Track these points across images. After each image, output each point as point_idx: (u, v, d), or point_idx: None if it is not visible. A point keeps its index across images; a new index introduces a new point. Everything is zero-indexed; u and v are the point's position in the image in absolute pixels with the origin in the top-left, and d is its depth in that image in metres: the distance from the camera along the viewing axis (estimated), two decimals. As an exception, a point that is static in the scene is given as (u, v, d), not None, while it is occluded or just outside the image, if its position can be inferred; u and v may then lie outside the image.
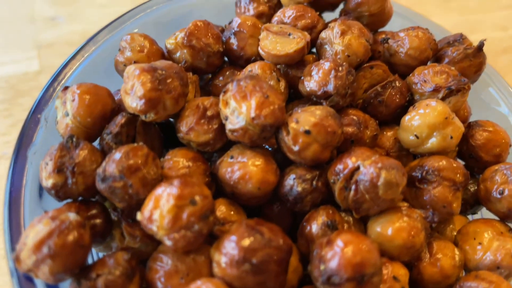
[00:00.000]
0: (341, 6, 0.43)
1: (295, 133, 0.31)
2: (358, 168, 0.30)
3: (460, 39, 0.39)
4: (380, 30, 0.43)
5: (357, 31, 0.36)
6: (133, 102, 0.31)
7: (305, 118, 0.31)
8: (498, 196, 0.34)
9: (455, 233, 0.36)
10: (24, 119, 0.35)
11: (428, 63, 0.40)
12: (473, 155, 0.37)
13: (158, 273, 0.29)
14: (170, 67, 0.32)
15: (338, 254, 0.27)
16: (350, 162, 0.31)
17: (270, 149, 0.35)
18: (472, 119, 0.41)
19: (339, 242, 0.28)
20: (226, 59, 0.40)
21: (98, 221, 0.31)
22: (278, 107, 0.31)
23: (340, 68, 0.33)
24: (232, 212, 0.32)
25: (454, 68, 0.39)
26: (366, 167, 0.30)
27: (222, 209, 0.32)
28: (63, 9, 0.69)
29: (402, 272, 0.30)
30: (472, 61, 0.39)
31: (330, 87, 0.33)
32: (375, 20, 0.42)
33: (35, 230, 0.27)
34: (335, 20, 0.40)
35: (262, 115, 0.30)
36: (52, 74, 0.37)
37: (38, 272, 0.27)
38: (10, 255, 0.29)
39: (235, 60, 0.39)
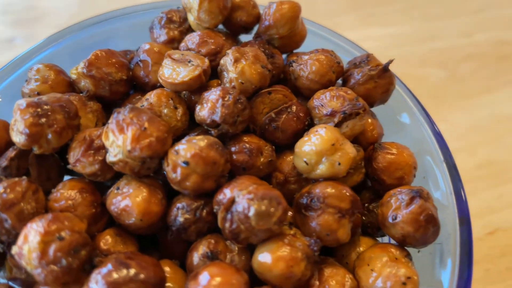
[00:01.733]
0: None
1: (174, 165, 0.31)
2: (234, 199, 0.31)
3: (366, 59, 0.39)
4: (296, 51, 0.43)
5: (251, 58, 0.36)
6: (16, 136, 0.32)
7: (186, 149, 0.31)
8: (391, 221, 0.34)
9: (358, 258, 0.36)
10: None
11: (339, 83, 0.40)
12: (376, 178, 0.37)
13: (36, 305, 0.30)
14: (56, 100, 0.33)
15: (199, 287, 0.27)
16: (229, 192, 0.31)
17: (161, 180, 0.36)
18: (389, 140, 0.40)
19: (204, 275, 0.28)
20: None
21: (-14, 254, 0.32)
22: (156, 139, 0.31)
23: (227, 97, 0.34)
24: (118, 243, 0.33)
25: (360, 90, 0.38)
26: (239, 198, 0.30)
27: (107, 240, 0.33)
28: (21, 31, 0.70)
29: (281, 303, 0.31)
30: (377, 82, 0.38)
31: (217, 116, 0.33)
32: (287, 42, 0.42)
33: None
34: (244, 44, 0.41)
35: (138, 148, 0.31)
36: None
37: None
38: None
39: (143, 87, 0.40)
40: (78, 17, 0.69)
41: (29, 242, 0.28)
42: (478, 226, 0.58)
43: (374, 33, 0.74)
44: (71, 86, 0.39)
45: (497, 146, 0.65)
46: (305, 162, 0.34)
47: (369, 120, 0.40)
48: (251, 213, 0.29)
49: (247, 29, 0.43)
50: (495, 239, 0.57)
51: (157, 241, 0.36)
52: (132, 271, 0.28)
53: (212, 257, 0.31)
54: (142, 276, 0.28)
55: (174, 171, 0.31)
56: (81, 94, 0.37)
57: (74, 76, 0.38)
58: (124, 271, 0.28)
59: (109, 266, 0.28)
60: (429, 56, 0.74)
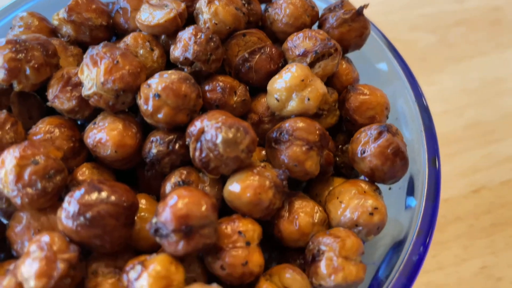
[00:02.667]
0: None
1: (146, 97, 0.32)
2: (204, 128, 0.32)
3: (340, 4, 0.40)
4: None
5: (225, 0, 0.37)
6: (-4, 72, 0.33)
7: (157, 82, 0.32)
8: (360, 156, 0.35)
9: (329, 195, 0.37)
10: None
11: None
12: (349, 118, 0.38)
13: (14, 229, 0.32)
14: (35, 39, 0.34)
15: (167, 207, 0.29)
16: (199, 124, 0.32)
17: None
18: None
19: (171, 196, 0.29)
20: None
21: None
22: (128, 72, 0.32)
23: (199, 35, 0.35)
24: (94, 175, 0.34)
25: (334, 33, 0.39)
26: (208, 127, 0.31)
27: (84, 172, 0.34)
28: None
29: (250, 228, 0.32)
30: (351, 25, 0.39)
31: (189, 54, 0.34)
32: (264, -11, 0.42)
33: None
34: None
35: (111, 80, 0.32)
36: None
37: None
38: None
39: (123, 33, 0.41)
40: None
41: (5, 166, 0.30)
42: (463, 184, 0.59)
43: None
44: (54, 33, 0.40)
45: (485, 108, 0.65)
46: (276, 99, 0.35)
47: (344, 65, 0.40)
48: (219, 140, 0.30)
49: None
50: (480, 197, 0.58)
51: (136, 178, 0.37)
52: (104, 194, 0.29)
53: (181, 183, 0.33)
54: (113, 198, 0.29)
55: (146, 103, 0.32)
56: (62, 39, 0.39)
57: (56, 22, 0.39)
58: (96, 193, 0.29)
59: (82, 189, 0.30)
60: (419, 22, 0.74)
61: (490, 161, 0.61)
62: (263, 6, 0.43)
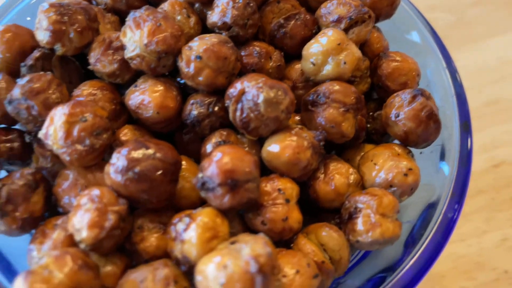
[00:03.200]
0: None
1: (187, 59, 0.33)
2: (244, 90, 0.33)
3: (372, -26, 0.40)
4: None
5: (261, -33, 0.37)
6: (40, 34, 0.34)
7: (198, 45, 0.33)
8: (394, 119, 0.35)
9: (361, 159, 0.38)
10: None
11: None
12: (381, 84, 0.39)
13: (62, 186, 0.33)
14: (77, 3, 0.35)
15: (213, 162, 0.30)
16: (239, 85, 0.33)
17: (182, 81, 0.37)
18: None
19: (216, 153, 0.30)
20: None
21: (15, 144, 0.35)
22: (170, 34, 0.33)
23: (238, 0, 0.35)
24: (136, 136, 0.35)
25: (365, 2, 0.40)
26: (249, 88, 0.32)
27: (126, 133, 0.35)
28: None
29: (288, 186, 0.32)
30: (383, -5, 0.40)
31: (228, 18, 0.35)
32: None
33: None
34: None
35: (154, 42, 0.32)
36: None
37: None
38: None
39: (156, 1, 0.41)
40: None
41: (54, 123, 0.31)
42: (484, 159, 0.60)
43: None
44: (89, 0, 0.41)
45: (503, 85, 0.66)
46: (312, 63, 0.36)
47: (375, 34, 0.41)
48: (260, 99, 0.31)
49: None
50: (500, 171, 0.59)
51: (174, 142, 0.38)
52: (151, 150, 0.30)
53: (222, 143, 0.33)
54: (159, 155, 0.30)
55: (187, 65, 0.33)
56: (99, 7, 0.39)
57: (91, -12, 0.40)
58: (143, 150, 0.30)
59: (129, 146, 0.30)
60: (437, 2, 0.74)
61: (510, 137, 0.61)
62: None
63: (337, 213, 0.35)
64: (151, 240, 0.31)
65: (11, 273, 0.32)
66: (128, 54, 0.33)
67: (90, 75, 0.38)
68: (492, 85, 0.66)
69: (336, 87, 0.34)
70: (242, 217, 0.33)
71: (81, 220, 0.29)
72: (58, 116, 0.30)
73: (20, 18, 0.41)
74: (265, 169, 0.34)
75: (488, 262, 0.53)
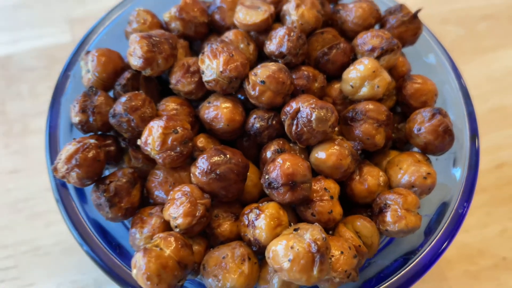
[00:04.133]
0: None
1: (253, 83, 0.42)
2: (299, 109, 0.41)
3: (399, 8, 0.48)
4: (340, 2, 0.53)
5: (309, 4, 0.45)
6: (135, 61, 0.42)
7: (262, 72, 0.42)
8: (416, 132, 0.44)
9: (387, 163, 0.46)
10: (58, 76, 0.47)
11: (376, 28, 0.50)
12: (405, 102, 0.47)
13: (154, 183, 0.41)
14: (162, 34, 0.43)
15: (277, 167, 0.38)
16: (295, 104, 0.41)
17: (242, 97, 0.46)
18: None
19: (279, 160, 0.39)
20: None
21: (112, 148, 0.43)
22: (240, 63, 0.41)
23: (292, 34, 0.43)
24: (209, 143, 0.43)
25: (394, 32, 0.48)
26: (304, 108, 0.40)
27: (202, 141, 0.43)
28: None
29: (332, 186, 0.41)
30: (408, 26, 0.48)
31: (284, 49, 0.43)
32: (333, -7, 0.51)
33: (66, 149, 0.39)
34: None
35: (228, 69, 0.41)
36: (78, 42, 0.48)
37: (69, 178, 0.39)
38: (51, 168, 0.41)
39: (219, 29, 0.49)
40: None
41: (153, 134, 0.39)
42: (487, 160, 0.68)
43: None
44: (163, 28, 0.49)
45: (507, 94, 0.74)
46: (351, 85, 0.44)
47: (400, 58, 0.49)
48: (313, 117, 0.40)
49: (301, -16, 0.52)
50: (502, 171, 0.67)
51: (235, 144, 0.46)
52: (228, 156, 0.39)
53: (280, 152, 0.42)
54: (234, 160, 0.39)
55: (253, 89, 0.42)
56: (172, 33, 0.48)
57: (167, 19, 0.48)
58: (222, 156, 0.39)
59: (210, 153, 0.39)
60: (450, 16, 0.82)
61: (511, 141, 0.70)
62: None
63: (368, 208, 0.43)
64: (225, 226, 0.40)
65: (111, 247, 0.41)
66: (205, 78, 0.42)
67: (165, 92, 0.47)
68: (497, 94, 0.74)
69: (371, 106, 0.43)
70: (293, 209, 0.42)
71: (177, 210, 0.37)
72: (155, 129, 0.39)
73: (109, 39, 0.49)
74: (313, 172, 0.42)
75: (488, 250, 0.61)
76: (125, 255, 0.40)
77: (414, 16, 0.47)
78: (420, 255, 0.40)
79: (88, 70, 0.44)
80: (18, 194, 0.63)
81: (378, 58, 0.45)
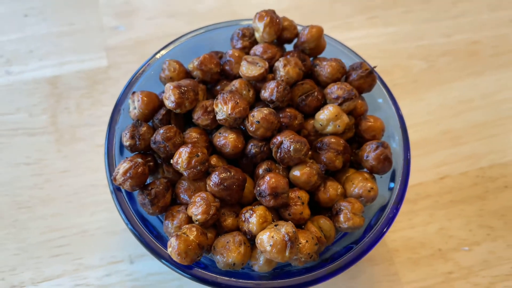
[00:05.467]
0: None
1: (251, 122, 0.60)
2: (282, 141, 0.59)
3: (359, 65, 0.66)
4: (319, 56, 0.70)
5: (293, 64, 0.63)
6: (169, 103, 0.60)
7: (257, 114, 0.60)
8: (365, 159, 0.62)
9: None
10: (112, 108, 0.65)
11: (342, 80, 0.68)
12: (360, 135, 0.65)
13: (180, 189, 0.60)
14: (188, 84, 0.61)
15: (265, 182, 0.56)
16: (279, 138, 0.60)
17: (243, 128, 0.64)
18: (370, 113, 0.68)
19: (266, 177, 0.57)
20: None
21: (151, 163, 0.62)
22: (243, 108, 0.59)
23: (280, 86, 0.61)
24: (219, 161, 0.62)
25: (354, 84, 0.66)
26: (285, 141, 0.59)
27: (214, 160, 0.62)
28: (123, 21, 0.98)
29: (303, 195, 0.59)
30: (365, 80, 0.66)
31: (274, 97, 0.62)
32: (313, 51, 0.69)
33: (123, 165, 0.57)
34: (287, 53, 0.68)
35: (234, 113, 0.59)
36: (125, 84, 0.66)
37: (124, 185, 0.57)
38: (110, 178, 0.59)
39: (228, 76, 0.67)
40: (162, 12, 0.97)
41: (182, 157, 0.57)
42: (434, 173, 0.86)
43: (376, 32, 1.00)
44: (187, 74, 0.67)
45: (455, 120, 0.91)
46: (320, 124, 0.62)
47: (360, 101, 0.67)
48: (291, 148, 0.58)
49: (290, 41, 0.70)
50: (444, 182, 0.85)
51: (237, 163, 0.65)
52: (232, 173, 0.57)
53: (268, 170, 0.60)
54: (236, 176, 0.57)
55: (251, 125, 0.60)
56: (195, 80, 0.66)
57: (190, 68, 0.66)
58: (228, 173, 0.57)
59: (220, 170, 0.57)
60: (416, 51, 0.99)
61: (455, 158, 0.87)
62: (311, 58, 0.70)
63: (328, 211, 0.62)
64: (229, 220, 0.58)
65: (150, 231, 0.59)
66: (218, 117, 0.60)
67: (188, 123, 0.65)
68: (448, 119, 0.91)
69: (333, 140, 0.61)
70: (276, 211, 0.60)
71: (197, 210, 0.56)
72: (183, 153, 0.57)
73: (147, 83, 0.67)
74: (291, 184, 0.61)
75: (428, 243, 0.79)
76: (160, 238, 0.59)
77: (370, 72, 0.65)
78: (361, 243, 0.59)
79: (135, 107, 0.62)
80: (68, 190, 0.81)
81: (340, 104, 0.63)
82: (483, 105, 0.93)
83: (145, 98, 0.62)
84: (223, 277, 0.55)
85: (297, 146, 0.58)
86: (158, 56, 0.69)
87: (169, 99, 0.60)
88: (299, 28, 0.70)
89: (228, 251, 0.55)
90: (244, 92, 0.64)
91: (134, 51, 0.93)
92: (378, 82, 0.69)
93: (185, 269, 0.54)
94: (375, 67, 0.66)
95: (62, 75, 0.91)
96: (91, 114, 0.87)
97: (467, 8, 1.05)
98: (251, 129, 0.60)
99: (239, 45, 0.69)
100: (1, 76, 0.89)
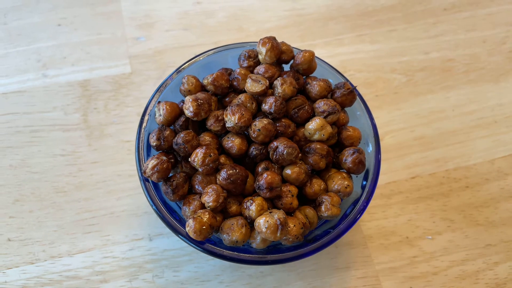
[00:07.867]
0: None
1: (253, 130, 0.75)
2: (278, 146, 0.74)
3: (342, 85, 0.81)
4: (311, 75, 0.85)
5: (289, 83, 0.78)
6: (188, 113, 0.75)
7: (258, 124, 0.75)
8: (344, 161, 0.77)
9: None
10: (135, 109, 0.80)
11: (328, 96, 0.83)
12: (341, 142, 0.80)
13: (196, 182, 0.75)
14: (204, 97, 0.76)
15: (263, 178, 0.72)
16: (276, 143, 0.75)
17: (247, 133, 0.79)
18: (350, 124, 0.83)
19: (264, 174, 0.72)
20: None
21: (172, 160, 0.77)
22: (247, 119, 0.74)
23: (277, 101, 0.76)
24: (227, 161, 0.77)
25: (338, 100, 0.81)
26: (280, 146, 0.74)
27: (223, 159, 0.77)
28: (144, 32, 1.12)
29: (293, 189, 0.74)
30: (347, 97, 0.80)
31: (272, 110, 0.77)
32: (306, 71, 0.84)
33: (151, 162, 0.72)
34: (284, 72, 0.83)
35: (240, 122, 0.74)
36: (152, 93, 0.81)
37: (152, 177, 0.72)
38: (141, 172, 0.74)
39: (235, 90, 0.82)
40: (178, 25, 1.11)
41: (198, 156, 0.72)
42: (406, 173, 0.99)
43: (364, 48, 1.15)
44: (203, 87, 0.82)
45: (428, 127, 1.03)
46: (308, 133, 0.77)
47: (342, 114, 0.82)
48: (285, 152, 0.73)
49: (287, 62, 0.85)
50: (415, 181, 0.99)
51: (241, 162, 0.80)
52: (237, 170, 0.72)
53: (266, 169, 0.76)
54: (240, 172, 0.72)
55: (253, 133, 0.75)
56: (208, 92, 0.81)
57: (205, 83, 0.81)
58: (234, 170, 0.72)
59: (228, 167, 0.72)
60: (397, 66, 1.12)
61: (425, 161, 1.01)
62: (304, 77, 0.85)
63: (313, 202, 0.77)
64: (233, 207, 0.73)
65: (171, 213, 0.75)
66: (227, 125, 0.75)
67: (201, 128, 0.80)
68: (421, 127, 1.05)
69: (318, 146, 0.76)
70: (271, 201, 0.75)
71: (209, 198, 0.71)
72: (199, 153, 0.72)
73: (169, 94, 0.82)
74: (283, 181, 0.76)
75: (398, 231, 0.94)
76: (178, 220, 0.74)
77: (351, 91, 0.80)
78: (337, 229, 0.74)
79: (160, 114, 0.77)
80: (97, 178, 0.95)
81: (326, 117, 0.78)
82: (453, 116, 1.06)
83: (169, 108, 0.77)
84: (228, 251, 0.70)
85: (289, 150, 0.73)
86: (179, 71, 0.84)
87: (188, 109, 0.75)
88: (295, 51, 0.85)
89: (233, 231, 0.70)
90: (248, 104, 0.79)
91: (153, 60, 1.07)
92: (357, 98, 0.84)
93: (199, 244, 0.70)
94: (356, 86, 0.81)
95: (91, 79, 1.05)
96: (116, 114, 1.01)
97: (446, 28, 1.19)
98: (253, 135, 0.75)
99: (245, 64, 0.84)
100: (39, 78, 1.03)
